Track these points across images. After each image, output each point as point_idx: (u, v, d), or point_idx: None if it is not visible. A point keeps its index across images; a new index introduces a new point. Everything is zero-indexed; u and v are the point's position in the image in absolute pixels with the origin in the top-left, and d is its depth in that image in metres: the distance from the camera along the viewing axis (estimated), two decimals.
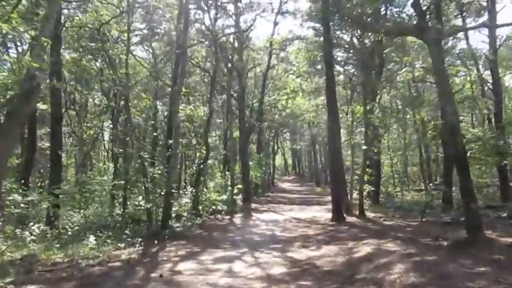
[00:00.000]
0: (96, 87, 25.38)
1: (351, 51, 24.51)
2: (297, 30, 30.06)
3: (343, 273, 7.41)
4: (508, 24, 10.84)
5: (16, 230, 10.41)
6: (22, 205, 11.65)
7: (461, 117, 18.86)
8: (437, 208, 15.55)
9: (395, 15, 22.77)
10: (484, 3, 20.80)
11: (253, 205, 22.24)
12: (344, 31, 23.86)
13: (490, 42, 20.76)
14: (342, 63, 26.50)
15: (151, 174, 14.48)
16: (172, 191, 14.29)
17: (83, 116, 28.03)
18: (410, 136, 31.25)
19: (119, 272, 7.93)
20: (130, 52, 19.25)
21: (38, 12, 12.87)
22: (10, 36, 14.56)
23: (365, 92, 19.67)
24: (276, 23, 27.48)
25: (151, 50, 24.00)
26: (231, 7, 24.32)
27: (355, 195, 19.12)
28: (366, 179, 17.33)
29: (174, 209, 15.48)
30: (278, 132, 49.12)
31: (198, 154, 22.43)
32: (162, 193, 13.79)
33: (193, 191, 17.60)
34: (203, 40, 23.22)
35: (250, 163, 26.41)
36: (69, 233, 11.88)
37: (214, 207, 18.24)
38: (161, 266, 8.51)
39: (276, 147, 51.86)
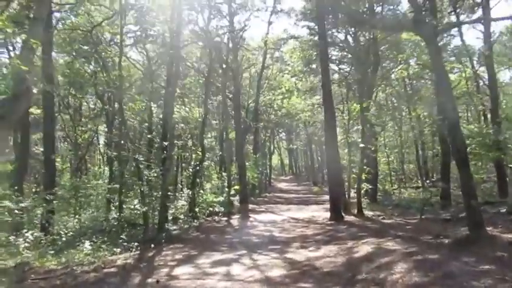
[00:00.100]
0: (90, 90, 25.12)
1: (346, 49, 24.46)
2: (291, 30, 30.18)
3: (344, 274, 7.27)
4: (504, 18, 10.71)
5: (10, 237, 10.20)
6: (16, 211, 11.47)
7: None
8: (436, 205, 15.45)
9: (389, 13, 22.83)
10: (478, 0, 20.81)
11: (250, 206, 22.08)
12: (339, 30, 23.84)
13: (484, 38, 20.79)
14: (337, 61, 26.43)
15: (146, 177, 14.30)
16: (169, 193, 14.13)
17: (77, 120, 27.80)
18: (406, 133, 31.26)
19: (115, 279, 7.75)
20: (123, 54, 19.07)
21: (29, 15, 12.68)
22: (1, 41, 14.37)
23: (361, 89, 19.58)
24: (270, 23, 27.40)
25: (145, 52, 23.80)
26: (224, 8, 24.18)
27: (352, 193, 19.00)
28: (363, 178, 17.21)
29: (170, 211, 15.32)
30: (274, 132, 49.00)
31: (194, 156, 22.24)
32: (158, 196, 13.61)
33: (190, 193, 17.43)
34: (196, 40, 23.03)
35: (247, 164, 26.24)
36: (64, 239, 11.63)
37: (211, 209, 18.08)
38: (158, 271, 8.33)
39: (272, 147, 51.75)
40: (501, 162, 17.81)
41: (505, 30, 27.40)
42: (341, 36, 24.63)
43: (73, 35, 18.86)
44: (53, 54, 21.80)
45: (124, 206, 15.89)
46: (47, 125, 15.04)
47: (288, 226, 14.65)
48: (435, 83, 18.87)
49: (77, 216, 15.15)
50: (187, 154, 26.10)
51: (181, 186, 25.36)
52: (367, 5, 21.17)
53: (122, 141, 16.15)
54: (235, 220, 17.23)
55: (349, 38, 24.03)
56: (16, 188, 13.14)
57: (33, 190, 18.90)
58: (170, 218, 14.99)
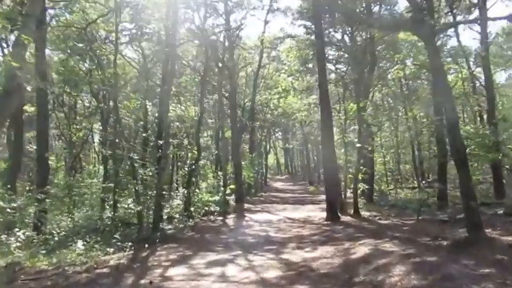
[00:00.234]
0: (85, 88, 24.89)
1: (342, 49, 24.38)
2: (287, 29, 30.09)
3: (341, 276, 7.15)
4: (502, 18, 10.61)
5: (1, 237, 10.01)
6: (8, 210, 11.27)
7: None
8: (433, 206, 15.38)
9: (386, 13, 22.78)
10: (475, 0, 20.79)
11: (246, 205, 21.97)
12: (335, 29, 23.76)
13: (481, 39, 20.75)
14: (334, 61, 26.35)
15: (141, 176, 14.13)
16: (164, 192, 13.96)
17: (71, 118, 27.56)
18: (402, 134, 31.25)
19: (107, 280, 7.59)
20: (119, 52, 18.86)
21: (22, 12, 12.47)
22: None
23: (357, 89, 19.50)
24: (266, 22, 27.33)
25: (140, 50, 23.61)
26: (221, 6, 24.03)
27: (348, 193, 18.92)
28: (360, 178, 17.12)
29: (165, 211, 15.16)
30: (270, 132, 48.90)
31: (189, 155, 22.08)
32: (153, 195, 13.45)
33: (185, 192, 17.27)
34: (192, 39, 22.86)
35: (243, 163, 26.14)
36: (56, 238, 11.44)
37: (206, 208, 17.93)
38: (151, 271, 8.18)
39: (268, 147, 51.63)
40: (498, 164, 17.79)
41: (501, 32, 27.48)
42: (338, 35, 24.59)
43: (67, 32, 18.63)
44: (48, 51, 21.61)
45: (118, 205, 15.73)
46: (41, 123, 14.83)
47: (283, 226, 14.53)
48: (432, 83, 18.81)
49: (70, 215, 14.93)
50: (183, 153, 25.97)
51: (176, 185, 25.20)
52: (364, 5, 21.13)
53: (117, 140, 15.97)
54: (230, 220, 17.09)
55: (346, 38, 23.97)
56: (9, 186, 12.96)
57: (27, 188, 18.70)
58: (165, 217, 14.83)
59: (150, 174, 14.66)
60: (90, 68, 21.27)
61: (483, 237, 7.63)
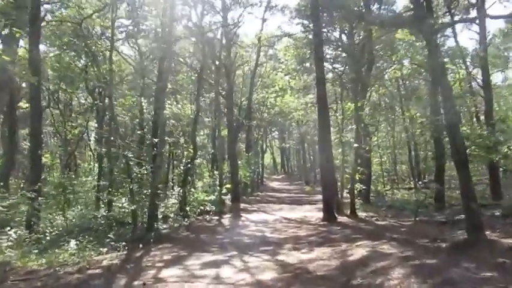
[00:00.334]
0: (81, 85, 24.64)
1: (340, 48, 24.25)
2: (285, 27, 29.99)
3: (338, 278, 7.00)
4: (501, 17, 10.48)
5: None
6: (1, 208, 11.07)
7: None
8: (430, 207, 15.28)
9: (384, 12, 22.67)
10: (473, 0, 20.73)
11: (242, 205, 21.83)
12: (333, 28, 23.62)
13: (480, 39, 20.73)
14: (331, 60, 26.21)
15: (135, 174, 13.94)
16: (159, 191, 13.75)
17: (67, 115, 27.30)
18: (399, 134, 31.20)
19: (99, 281, 7.39)
20: (115, 48, 18.65)
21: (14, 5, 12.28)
22: None
23: (355, 88, 19.37)
24: (264, 20, 27.12)
25: (137, 47, 23.41)
26: (218, 3, 23.88)
27: (344, 194, 18.80)
28: (357, 178, 17.00)
29: (160, 210, 14.97)
30: (267, 131, 48.76)
31: (185, 153, 21.90)
32: (148, 194, 13.26)
33: (181, 191, 17.09)
34: (189, 36, 22.68)
35: (239, 162, 25.99)
36: (48, 238, 11.23)
37: (202, 207, 17.77)
38: (145, 272, 7.99)
39: (264, 146, 51.50)
40: (495, 165, 17.73)
41: (498, 33, 27.50)
42: (335, 34, 24.44)
43: (63, 27, 18.41)
44: (43, 47, 21.41)
45: (113, 204, 15.52)
46: (34, 119, 14.55)
47: (280, 226, 14.37)
48: (431, 82, 18.72)
49: (63, 214, 14.71)
50: (179, 151, 25.77)
51: (172, 184, 25.01)
52: (362, 3, 21.00)
53: (112, 138, 15.76)
54: (226, 219, 16.92)
55: (344, 37, 23.85)
56: (1, 184, 12.76)
57: (22, 186, 18.47)
58: (160, 216, 14.64)
59: (145, 172, 14.48)
60: (86, 65, 21.05)
61: (483, 239, 7.50)
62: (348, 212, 15.98)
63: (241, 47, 29.00)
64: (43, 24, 16.23)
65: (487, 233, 8.26)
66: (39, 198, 12.69)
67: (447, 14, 21.53)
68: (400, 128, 30.41)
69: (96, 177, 20.97)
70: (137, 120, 21.19)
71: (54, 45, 19.96)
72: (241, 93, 32.31)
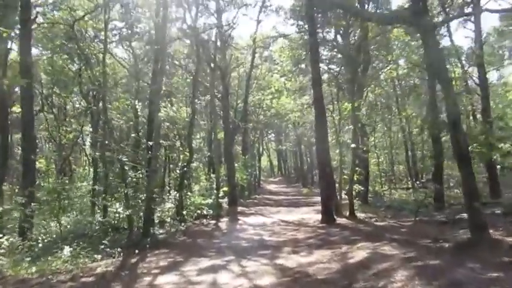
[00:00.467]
0: (75, 89, 24.41)
1: (335, 49, 24.15)
2: (280, 28, 29.81)
3: (339, 282, 6.78)
4: (499, 11, 10.37)
5: None
6: None
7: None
8: (430, 207, 15.11)
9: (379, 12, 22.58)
10: None
11: (239, 208, 21.60)
12: (328, 28, 23.50)
13: (475, 37, 20.67)
14: (327, 61, 26.10)
15: (130, 178, 13.70)
16: (155, 195, 13.52)
17: (61, 120, 27.04)
18: (396, 134, 31.11)
19: None
20: (108, 51, 18.44)
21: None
22: None
23: (351, 89, 19.23)
24: (258, 21, 26.96)
25: (131, 50, 23.21)
26: (212, 5, 23.71)
27: (342, 195, 18.61)
28: (355, 178, 16.83)
29: (157, 214, 14.75)
30: (263, 133, 48.59)
31: (181, 157, 21.68)
32: (144, 198, 13.02)
33: (177, 195, 16.86)
34: (184, 38, 22.50)
35: (236, 165, 25.78)
36: (40, 245, 10.97)
37: (199, 211, 17.57)
38: (140, 279, 7.76)
39: (261, 149, 51.31)
40: (493, 163, 17.62)
41: (492, 31, 27.52)
42: (331, 35, 24.33)
43: (55, 30, 18.20)
44: (36, 51, 21.17)
45: (109, 209, 15.27)
46: (26, 122, 14.27)
47: (278, 229, 14.16)
48: (428, 80, 18.59)
49: (58, 220, 14.43)
50: (175, 155, 25.53)
51: (168, 188, 24.76)
52: (357, 4, 20.89)
53: (106, 142, 15.52)
54: (223, 223, 16.69)
55: (339, 38, 23.73)
56: None
57: (16, 192, 18.18)
58: (157, 221, 14.43)
59: (141, 176, 14.25)
60: (80, 68, 20.84)
61: (487, 238, 7.32)
62: (347, 213, 15.79)
63: (236, 49, 28.87)
64: (35, 26, 16.02)
65: (490, 231, 8.08)
66: (32, 204, 12.39)
67: (441, 13, 21.49)
68: (397, 128, 30.33)
69: (91, 182, 20.72)
70: (131, 122, 20.95)
71: (47, 48, 19.72)
72: (237, 95, 32.14)
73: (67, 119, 28.22)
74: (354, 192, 16.72)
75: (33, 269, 8.50)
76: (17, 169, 26.44)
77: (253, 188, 37.00)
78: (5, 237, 10.23)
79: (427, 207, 14.52)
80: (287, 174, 65.43)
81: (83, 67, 20.10)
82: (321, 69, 19.34)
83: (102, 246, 10.65)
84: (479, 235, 7.34)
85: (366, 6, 21.40)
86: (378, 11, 22.52)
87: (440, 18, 21.35)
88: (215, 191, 19.97)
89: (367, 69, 21.43)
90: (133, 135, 19.58)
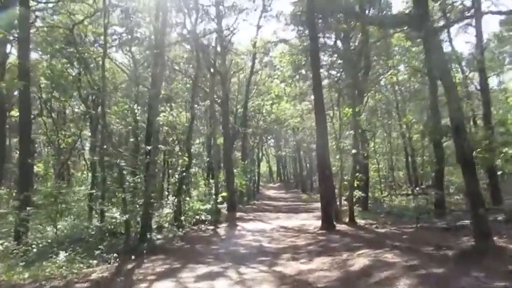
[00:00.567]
0: (75, 93, 24.31)
1: (335, 54, 24.09)
2: (280, 34, 29.71)
3: None
4: (500, 13, 10.26)
5: None
6: None
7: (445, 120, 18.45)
8: (431, 213, 14.94)
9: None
10: (468, 4, 20.63)
11: (238, 214, 21.40)
12: (329, 34, 23.46)
13: (476, 42, 20.61)
14: (327, 66, 26.03)
15: (128, 183, 13.53)
16: (152, 200, 13.34)
17: (60, 124, 26.92)
18: (395, 140, 30.97)
19: None
20: (108, 56, 18.34)
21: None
22: None
23: (352, 94, 19.14)
24: (259, 27, 26.92)
25: (130, 55, 23.13)
26: (212, 10, 23.66)
27: (342, 201, 18.44)
28: (355, 185, 16.66)
29: (155, 220, 14.55)
30: (263, 139, 48.44)
31: (180, 162, 21.52)
32: (141, 203, 12.85)
33: (176, 200, 16.68)
34: (183, 42, 22.44)
35: (235, 170, 25.62)
36: (35, 250, 10.78)
37: (197, 217, 17.37)
38: (136, 286, 7.58)
39: (260, 154, 51.13)
40: (494, 169, 17.48)
41: (493, 37, 27.52)
42: (330, 42, 24.30)
43: (54, 34, 18.11)
44: (36, 55, 21.10)
45: (106, 214, 15.08)
46: (23, 125, 14.12)
47: (277, 235, 13.97)
48: (430, 85, 18.48)
49: (54, 225, 14.25)
50: (174, 160, 25.37)
51: (167, 193, 24.57)
52: (358, 8, 20.86)
53: (104, 146, 15.38)
54: (222, 229, 16.50)
55: (339, 43, 23.69)
56: None
57: (13, 196, 17.99)
58: (154, 226, 14.22)
59: (139, 181, 14.08)
60: (79, 72, 20.76)
61: (492, 246, 7.15)
62: (347, 219, 15.62)
63: (236, 54, 28.81)
64: (34, 30, 15.93)
65: (494, 239, 7.91)
66: (28, 208, 12.20)
67: (442, 18, 21.44)
68: (397, 134, 30.20)
69: (89, 187, 20.56)
70: (130, 127, 20.82)
71: (46, 52, 19.62)
72: (236, 100, 32.05)
73: (66, 123, 28.10)
74: (354, 198, 16.56)
75: (26, 274, 8.31)
76: (15, 173, 26.31)
77: (252, 194, 36.81)
78: (0, 242, 10.08)
79: (428, 213, 14.35)
80: (286, 180, 65.21)
81: (82, 71, 20.01)
82: (321, 74, 19.27)
83: (99, 252, 10.48)
84: (483, 243, 7.18)
85: (367, 11, 21.42)
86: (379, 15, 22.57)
87: (441, 23, 21.32)
88: (214, 197, 19.80)
89: (367, 73, 21.35)
90: (132, 139, 19.42)
